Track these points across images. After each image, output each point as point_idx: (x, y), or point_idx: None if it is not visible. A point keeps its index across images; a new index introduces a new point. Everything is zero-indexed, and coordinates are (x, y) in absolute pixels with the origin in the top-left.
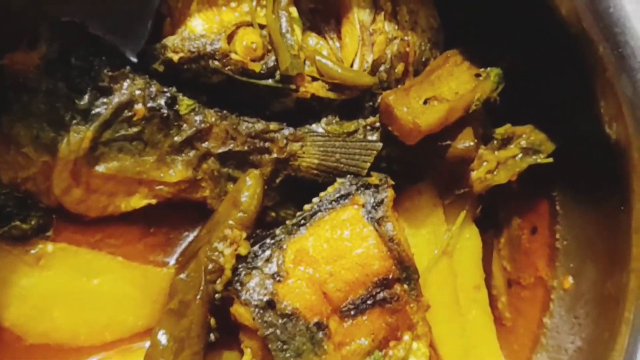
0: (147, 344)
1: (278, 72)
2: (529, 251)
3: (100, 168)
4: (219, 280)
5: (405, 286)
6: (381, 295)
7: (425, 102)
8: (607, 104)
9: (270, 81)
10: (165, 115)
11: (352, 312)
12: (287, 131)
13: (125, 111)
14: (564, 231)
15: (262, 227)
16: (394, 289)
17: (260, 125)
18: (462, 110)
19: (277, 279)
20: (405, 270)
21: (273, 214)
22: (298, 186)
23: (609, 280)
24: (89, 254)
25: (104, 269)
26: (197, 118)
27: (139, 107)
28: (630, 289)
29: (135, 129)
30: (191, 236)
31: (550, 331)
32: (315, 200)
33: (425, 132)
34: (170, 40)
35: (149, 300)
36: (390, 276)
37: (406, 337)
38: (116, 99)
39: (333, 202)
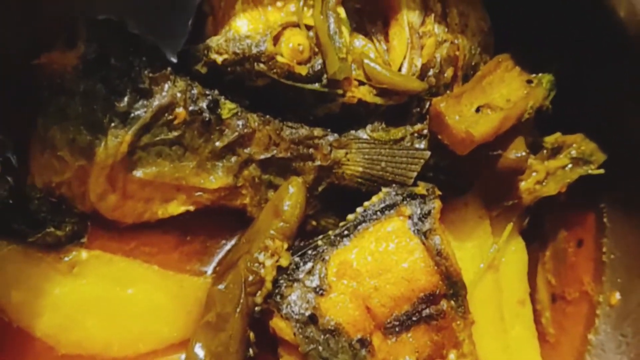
0: (182, 356)
1: (325, 75)
2: (574, 265)
3: (138, 173)
4: (259, 293)
5: (452, 302)
6: (427, 311)
7: (477, 110)
8: None
9: (316, 85)
10: (207, 119)
11: (397, 329)
12: (331, 137)
13: (166, 114)
14: (612, 245)
15: (302, 235)
16: (440, 305)
17: (304, 131)
18: (515, 119)
19: (320, 292)
20: (452, 286)
21: (314, 223)
22: (340, 194)
23: None
24: (124, 262)
25: (139, 277)
26: (240, 123)
27: (179, 110)
28: None
29: (175, 133)
30: (229, 245)
31: (595, 348)
32: (359, 210)
33: (478, 142)
34: (214, 41)
35: (184, 311)
36: (437, 292)
37: (452, 355)
38: (156, 101)
39: (378, 213)
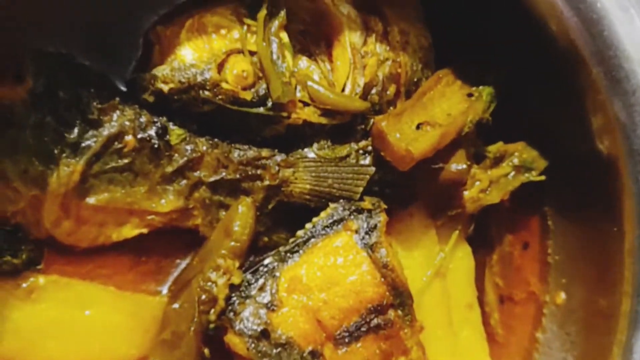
0: None
1: (269, 99)
2: (520, 267)
3: (91, 200)
4: (212, 310)
5: (399, 312)
6: (375, 321)
7: (418, 127)
8: (599, 123)
9: (261, 109)
10: (156, 145)
11: (347, 340)
12: (279, 158)
13: (115, 143)
14: (556, 246)
15: (255, 252)
16: (387, 315)
17: (252, 153)
18: (455, 133)
19: (271, 308)
20: (399, 296)
21: (265, 239)
22: (290, 210)
23: (601, 299)
24: (81, 285)
25: (96, 299)
26: (188, 147)
27: (129, 138)
28: (623, 311)
29: (125, 160)
30: (183, 264)
31: (543, 346)
32: (308, 226)
33: (417, 159)
34: (159, 71)
35: (141, 330)
36: (384, 302)
37: None
38: (106, 131)
39: (326, 228)
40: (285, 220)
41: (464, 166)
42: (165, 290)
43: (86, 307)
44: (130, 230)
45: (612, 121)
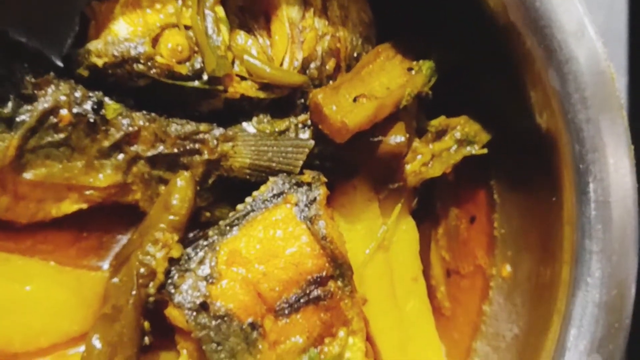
0: (83, 348)
1: (205, 73)
2: (467, 240)
3: (28, 175)
4: (151, 284)
5: (339, 283)
6: (315, 293)
7: (354, 100)
8: (537, 95)
9: (197, 83)
10: (91, 120)
11: (287, 311)
12: (217, 132)
13: (51, 117)
14: (502, 220)
15: (198, 227)
16: (327, 287)
17: (189, 127)
18: (392, 106)
19: (210, 280)
20: (338, 267)
21: (208, 214)
22: (232, 185)
23: (544, 270)
24: (21, 260)
25: (37, 274)
26: (125, 122)
27: (64, 113)
28: (562, 280)
29: (61, 135)
30: (125, 239)
31: (490, 319)
32: (248, 199)
33: (353, 131)
34: (93, 45)
35: (83, 305)
36: (324, 274)
37: (341, 333)
38: (40, 105)
39: (266, 202)
40: (227, 195)
41: (403, 139)
42: (106, 266)
43: (27, 282)
44: (69, 206)
45: (548, 93)
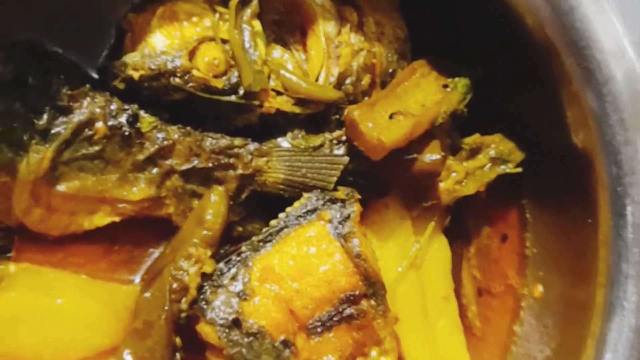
0: None
1: (241, 88)
2: (499, 259)
3: (61, 188)
4: (184, 299)
5: (372, 302)
6: (348, 311)
7: (391, 117)
8: (574, 114)
9: (233, 97)
10: (126, 133)
11: (319, 329)
12: (252, 147)
13: (86, 130)
14: (534, 239)
15: (229, 242)
16: (360, 305)
17: (224, 141)
18: (428, 124)
19: (243, 297)
20: (372, 286)
21: (240, 229)
22: (265, 200)
23: (577, 291)
24: (52, 274)
25: (68, 287)
26: (160, 135)
27: (99, 125)
28: (597, 303)
29: (96, 148)
30: (156, 253)
31: (520, 339)
32: (281, 215)
33: (389, 148)
34: (130, 58)
35: (114, 319)
36: (357, 292)
37: (373, 352)
38: (76, 117)
39: (299, 218)
40: (259, 210)
41: (438, 157)
42: (137, 279)
43: (58, 295)
44: (101, 219)
45: (585, 113)
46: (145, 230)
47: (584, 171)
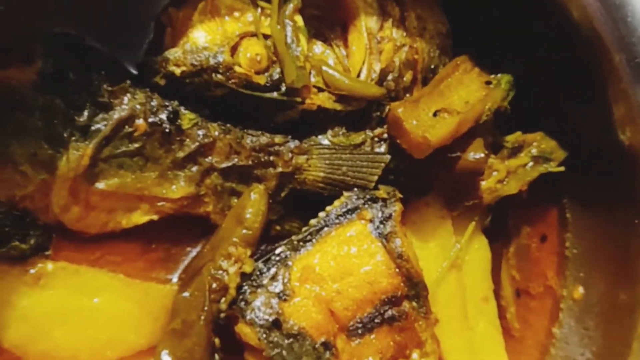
0: None
1: (283, 84)
2: (538, 260)
3: (100, 185)
4: (223, 300)
5: (414, 303)
6: (389, 313)
7: (434, 114)
8: (621, 110)
9: (275, 94)
10: (167, 130)
11: (360, 331)
12: (292, 144)
13: (126, 127)
14: (574, 239)
15: (267, 240)
16: (402, 307)
17: (264, 139)
18: (472, 121)
19: (283, 297)
20: (413, 287)
21: (278, 228)
22: (303, 199)
23: (621, 292)
24: (89, 272)
25: (105, 287)
26: (200, 132)
27: (139, 122)
28: None
29: (136, 145)
30: (194, 252)
31: (560, 342)
32: (321, 214)
33: (435, 146)
34: (171, 53)
35: (150, 318)
36: (399, 293)
37: (415, 355)
38: (116, 114)
39: (340, 217)
40: (297, 209)
41: (482, 155)
42: (175, 279)
43: (95, 294)
44: (140, 217)
45: (634, 110)
46: (182, 228)
47: (630, 169)
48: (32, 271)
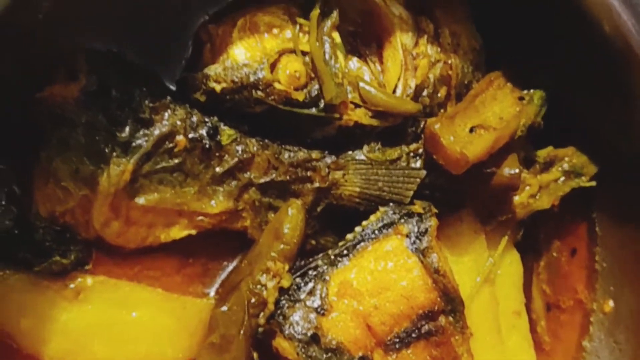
0: None
1: (322, 100)
2: (568, 274)
3: (141, 200)
4: (261, 314)
5: (451, 318)
6: (426, 327)
7: (471, 130)
8: None
9: (314, 110)
10: (207, 146)
11: (397, 346)
12: (329, 159)
13: (167, 142)
14: (604, 253)
15: (302, 254)
16: (439, 321)
17: (302, 154)
18: (508, 137)
19: (321, 312)
20: (450, 302)
21: (313, 242)
22: (338, 213)
23: None
24: (128, 287)
25: (143, 301)
26: (239, 148)
27: (180, 138)
28: None
29: (176, 161)
30: (230, 266)
31: (590, 355)
32: (357, 229)
33: (472, 162)
34: (212, 70)
35: (187, 332)
36: (436, 308)
37: None
38: (157, 130)
39: (376, 232)
40: (332, 223)
41: (517, 171)
42: (212, 293)
43: (133, 308)
44: (178, 232)
45: None
46: (219, 243)
47: None
48: (71, 286)
